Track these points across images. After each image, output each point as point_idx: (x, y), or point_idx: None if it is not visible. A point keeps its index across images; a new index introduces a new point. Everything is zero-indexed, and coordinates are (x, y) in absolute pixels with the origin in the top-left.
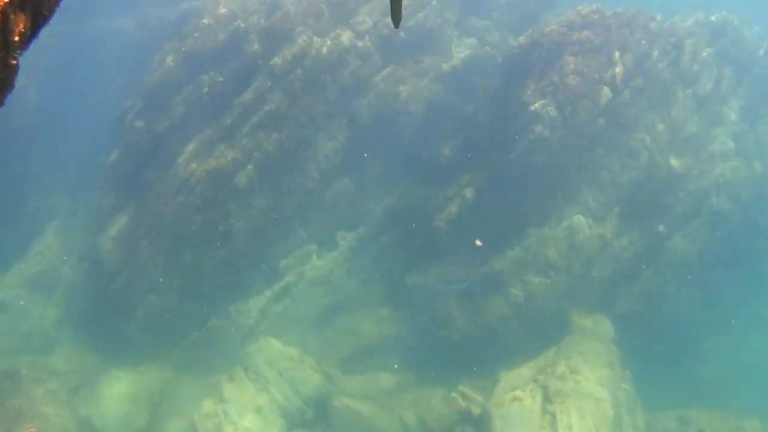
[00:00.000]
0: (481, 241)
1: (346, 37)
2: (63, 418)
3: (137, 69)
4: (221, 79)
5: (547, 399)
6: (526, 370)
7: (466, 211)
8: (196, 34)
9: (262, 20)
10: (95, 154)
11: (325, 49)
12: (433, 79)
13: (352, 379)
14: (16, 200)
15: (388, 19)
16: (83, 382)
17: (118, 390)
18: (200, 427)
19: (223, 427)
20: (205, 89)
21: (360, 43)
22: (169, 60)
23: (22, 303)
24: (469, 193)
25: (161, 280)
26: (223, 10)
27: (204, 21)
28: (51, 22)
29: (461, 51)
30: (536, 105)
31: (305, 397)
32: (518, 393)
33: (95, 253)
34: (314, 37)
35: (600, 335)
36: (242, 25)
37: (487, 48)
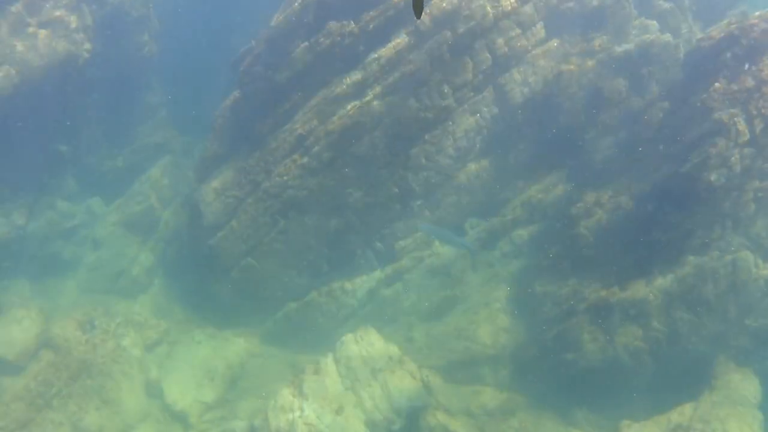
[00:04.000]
0: None
1: None
2: (129, 378)
3: (267, 8)
4: (356, 29)
5: None
6: (654, 428)
7: (617, 222)
8: None
9: None
10: (216, 92)
11: (481, 11)
12: (601, 62)
13: (454, 390)
14: (128, 130)
15: None
16: (162, 339)
17: (196, 355)
18: (272, 419)
19: (297, 427)
20: (336, 39)
21: (524, 9)
22: (298, 2)
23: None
24: (624, 200)
25: (263, 242)
26: None
27: None
28: None
29: (638, 34)
30: (722, 114)
31: (397, 406)
32: None
33: (196, 201)
34: None
35: (744, 396)
36: None
37: (669, 35)
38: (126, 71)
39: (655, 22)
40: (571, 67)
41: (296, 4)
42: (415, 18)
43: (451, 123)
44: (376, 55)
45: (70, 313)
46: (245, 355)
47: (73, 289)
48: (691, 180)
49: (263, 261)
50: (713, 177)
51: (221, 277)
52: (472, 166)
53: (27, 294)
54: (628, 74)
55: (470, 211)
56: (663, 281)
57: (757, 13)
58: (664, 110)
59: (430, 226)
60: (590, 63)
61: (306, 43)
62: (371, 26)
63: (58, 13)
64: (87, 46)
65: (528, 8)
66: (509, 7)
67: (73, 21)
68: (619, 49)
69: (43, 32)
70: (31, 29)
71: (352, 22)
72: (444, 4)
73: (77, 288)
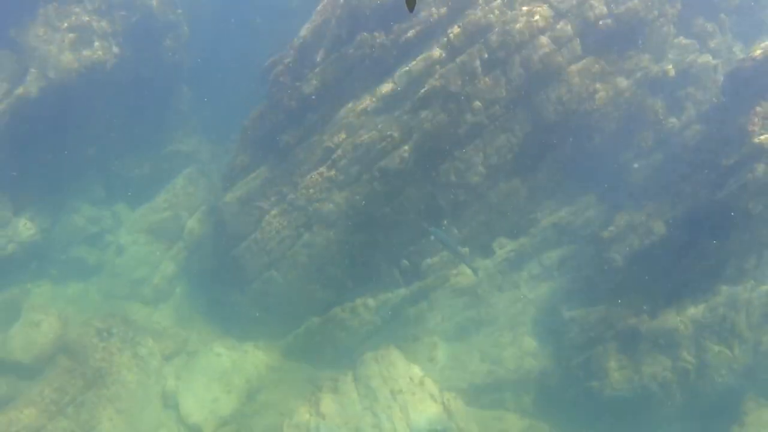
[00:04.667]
0: None
1: (542, 13)
2: (144, 387)
3: (298, 18)
4: (387, 41)
5: None
6: None
7: (649, 247)
8: None
9: None
10: (246, 101)
11: (515, 25)
12: (638, 81)
13: (475, 415)
14: (157, 137)
15: (595, 1)
16: (181, 349)
17: (214, 367)
18: None
19: None
20: (367, 50)
21: (559, 24)
22: (330, 12)
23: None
24: (657, 225)
25: (287, 255)
26: None
27: None
28: None
29: (677, 54)
30: (763, 138)
31: (416, 429)
32: None
33: (220, 211)
34: (504, 9)
35: None
36: None
37: (708, 56)
38: (155, 77)
39: (694, 41)
40: (607, 85)
41: (327, 14)
42: (408, 9)
43: (481, 140)
44: (406, 68)
45: (88, 319)
46: (264, 369)
47: (96, 293)
48: (728, 207)
49: (286, 274)
50: (751, 204)
51: (243, 289)
52: (502, 185)
53: (49, 297)
54: (664, 95)
55: (499, 230)
56: (694, 310)
57: None
58: (701, 133)
59: (439, 231)
60: (626, 82)
61: (336, 54)
62: (403, 38)
63: (87, 18)
64: (116, 50)
65: (564, 24)
66: (544, 23)
67: (102, 26)
68: (656, 69)
69: (72, 36)
70: (60, 34)
71: (383, 34)
72: (477, 18)
73: (99, 293)
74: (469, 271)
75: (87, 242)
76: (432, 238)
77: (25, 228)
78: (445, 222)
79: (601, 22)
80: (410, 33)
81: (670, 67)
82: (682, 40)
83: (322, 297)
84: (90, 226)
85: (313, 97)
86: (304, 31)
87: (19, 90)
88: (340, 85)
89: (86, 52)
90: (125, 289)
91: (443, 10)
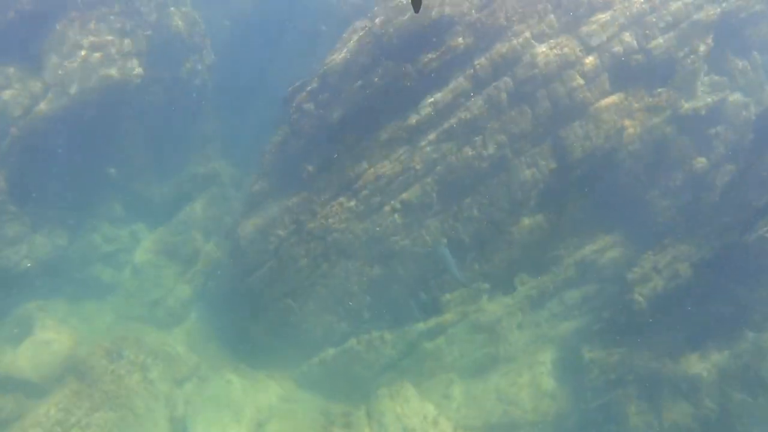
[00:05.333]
0: None
1: (571, 48)
2: (152, 412)
3: (323, 45)
4: (413, 71)
5: None
6: None
7: (674, 290)
8: (390, 15)
9: (474, 11)
10: (269, 126)
11: (543, 59)
12: (667, 119)
13: None
14: (178, 158)
15: (626, 35)
16: (192, 374)
17: (225, 394)
18: None
19: None
20: (392, 80)
21: (589, 59)
22: (355, 40)
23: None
24: (683, 268)
25: (304, 285)
26: None
27: (402, 0)
28: None
29: (707, 92)
30: None
31: None
32: None
33: (238, 237)
34: (533, 42)
35: None
36: (448, 11)
37: (740, 94)
38: (179, 99)
39: (725, 78)
40: (635, 122)
41: (353, 41)
42: (414, 10)
43: (506, 174)
44: (432, 99)
45: (99, 340)
46: (276, 399)
47: (110, 313)
48: (756, 251)
49: (302, 303)
50: None
51: (258, 316)
52: (526, 221)
53: (62, 315)
54: (694, 133)
55: (521, 266)
56: (719, 357)
57: None
58: (730, 174)
59: (444, 249)
60: (655, 119)
61: (360, 83)
62: (429, 69)
63: (111, 37)
64: (139, 71)
65: (593, 58)
66: (574, 56)
67: (125, 45)
68: (686, 106)
69: (95, 55)
70: (83, 51)
71: (409, 64)
72: (505, 50)
73: (113, 313)
74: (489, 308)
75: (103, 261)
76: (433, 251)
77: (41, 244)
78: (471, 255)
79: (631, 58)
80: (436, 63)
81: (701, 104)
82: (713, 77)
83: (338, 328)
84: (107, 245)
85: (336, 125)
86: (329, 57)
87: (40, 106)
88: (363, 114)
89: (109, 71)
90: (139, 310)
91: (470, 40)
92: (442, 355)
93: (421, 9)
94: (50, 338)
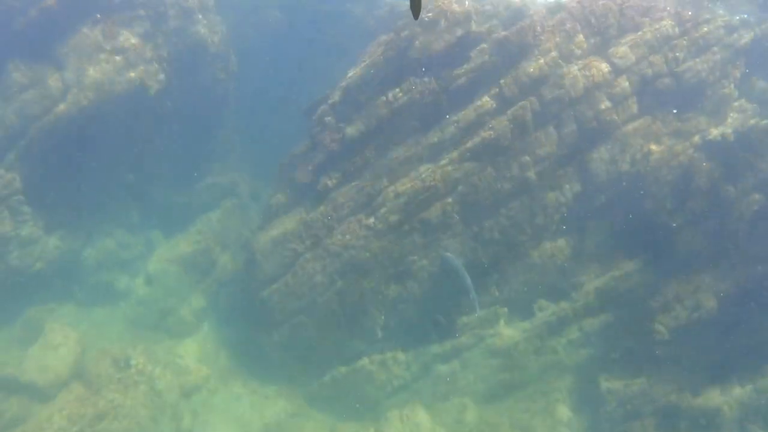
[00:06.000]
0: None
1: (599, 69)
2: (158, 424)
3: (348, 58)
4: (437, 87)
5: None
6: None
7: (696, 321)
8: (416, 29)
9: (501, 28)
10: (290, 138)
11: (571, 79)
12: (695, 145)
13: None
14: (198, 167)
15: (655, 58)
16: (201, 386)
17: (233, 409)
18: None
19: None
20: (415, 96)
21: (617, 81)
22: (379, 54)
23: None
24: (706, 298)
25: (318, 301)
26: (455, 7)
27: (429, 15)
28: None
29: (737, 117)
30: None
31: None
32: None
33: (253, 250)
34: (560, 62)
35: None
36: (475, 28)
37: None
38: (201, 107)
39: (756, 105)
40: (662, 147)
41: (377, 55)
42: (413, 17)
43: (528, 196)
44: (455, 117)
45: (107, 348)
46: (284, 415)
47: (120, 320)
48: None
49: (316, 320)
50: None
51: (271, 331)
52: (547, 245)
53: (73, 319)
54: (722, 160)
55: (540, 291)
56: (741, 391)
57: None
58: (758, 203)
59: (456, 261)
60: (683, 145)
61: (383, 98)
62: (453, 85)
63: (134, 41)
64: (161, 77)
65: (622, 80)
66: (602, 78)
67: (148, 51)
68: (715, 132)
69: (116, 59)
70: (104, 55)
71: (433, 80)
72: (531, 69)
73: (124, 320)
74: (506, 332)
75: (117, 267)
76: (444, 264)
77: (55, 247)
78: (490, 279)
79: (659, 81)
80: (461, 80)
81: (730, 131)
82: (744, 103)
83: (350, 347)
84: (121, 251)
85: (357, 140)
86: (351, 71)
87: (60, 107)
88: (385, 130)
89: (131, 75)
90: (151, 318)
91: (496, 58)
92: (456, 378)
93: (448, 25)
94: (59, 343)
